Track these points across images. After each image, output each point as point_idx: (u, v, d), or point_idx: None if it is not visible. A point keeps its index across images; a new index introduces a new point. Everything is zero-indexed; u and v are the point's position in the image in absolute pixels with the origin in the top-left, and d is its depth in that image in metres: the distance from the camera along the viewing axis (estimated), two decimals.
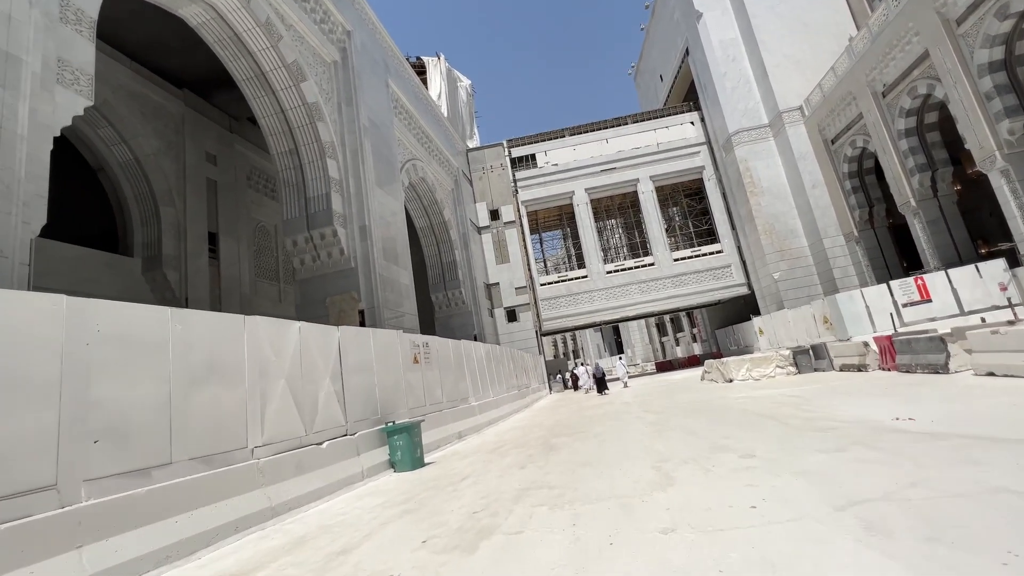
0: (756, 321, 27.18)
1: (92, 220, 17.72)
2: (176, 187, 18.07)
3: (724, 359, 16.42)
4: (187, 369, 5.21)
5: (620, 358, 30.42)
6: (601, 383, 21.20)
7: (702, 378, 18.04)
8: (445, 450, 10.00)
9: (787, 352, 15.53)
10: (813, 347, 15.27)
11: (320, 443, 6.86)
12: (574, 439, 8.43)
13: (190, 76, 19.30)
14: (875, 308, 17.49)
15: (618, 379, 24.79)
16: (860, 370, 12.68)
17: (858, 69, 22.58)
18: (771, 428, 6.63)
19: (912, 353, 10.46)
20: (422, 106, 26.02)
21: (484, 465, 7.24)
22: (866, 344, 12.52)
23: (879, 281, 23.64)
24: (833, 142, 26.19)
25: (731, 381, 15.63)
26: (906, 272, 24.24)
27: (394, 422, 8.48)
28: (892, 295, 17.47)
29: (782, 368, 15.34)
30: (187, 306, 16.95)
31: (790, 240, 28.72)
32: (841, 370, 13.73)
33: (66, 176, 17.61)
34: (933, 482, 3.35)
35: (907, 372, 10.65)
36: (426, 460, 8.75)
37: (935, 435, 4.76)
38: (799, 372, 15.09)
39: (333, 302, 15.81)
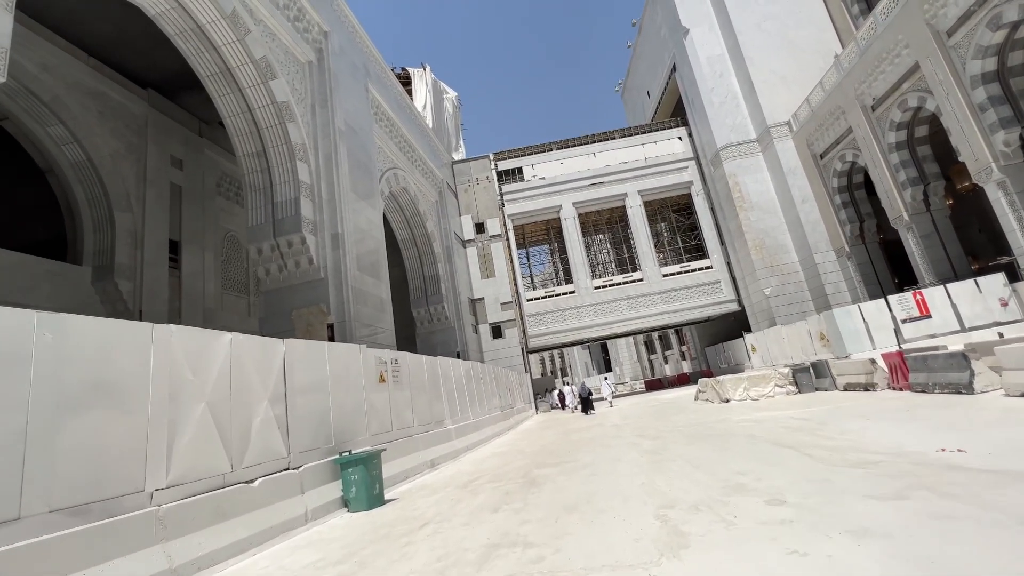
0: (748, 338, 26.42)
1: (38, 226, 16.32)
2: (135, 192, 16.80)
3: (719, 378, 15.46)
4: (58, 391, 4.02)
5: (606, 378, 29.57)
6: (587, 403, 20.91)
7: (696, 398, 17.04)
8: (414, 482, 8.76)
9: (786, 370, 14.63)
10: (813, 365, 14.39)
11: (251, 481, 5.64)
12: (559, 471, 7.29)
13: (156, 76, 18.22)
14: (874, 324, 16.76)
15: (604, 399, 23.86)
16: (867, 389, 11.78)
17: (847, 83, 22.39)
18: (792, 460, 5.59)
19: (928, 371, 9.59)
20: (405, 115, 25.24)
21: (451, 505, 6.07)
22: (873, 361, 11.66)
23: (871, 297, 23.11)
24: (822, 156, 25.93)
25: (727, 401, 14.65)
26: (899, 288, 23.77)
27: (351, 451, 7.26)
28: (891, 310, 16.76)
29: (781, 387, 14.41)
30: (141, 319, 15.52)
31: (780, 255, 28.23)
32: (845, 389, 12.83)
33: (9, 177, 16.29)
34: None
35: (922, 392, 9.76)
36: (388, 496, 7.52)
37: (1019, 475, 3.77)
38: (799, 391, 14.17)
39: (300, 315, 14.58)
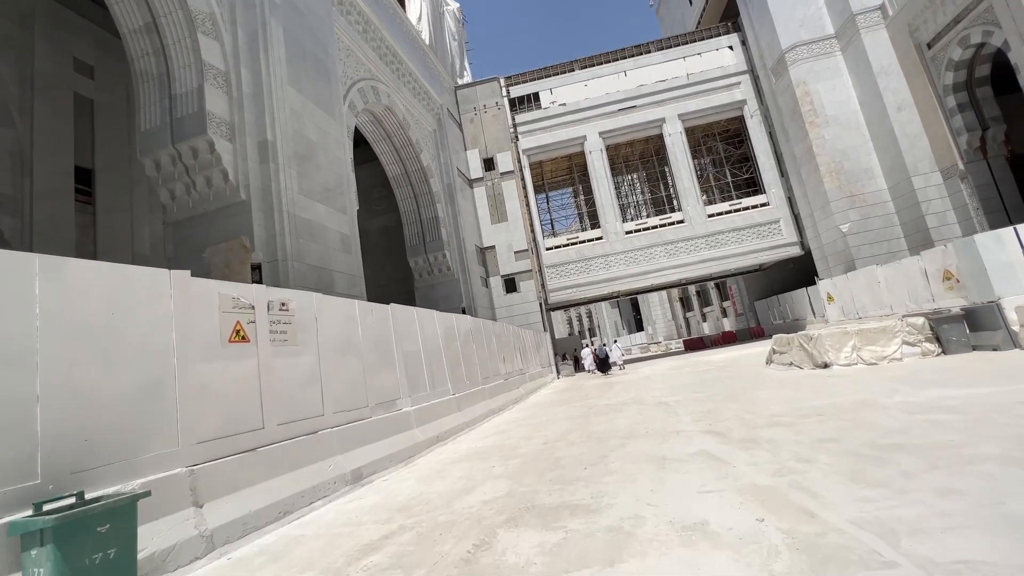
0: (823, 285, 21.19)
1: None
2: (19, 101, 12.87)
3: (811, 332, 10.76)
4: None
5: (616, 341, 25.71)
6: (604, 363, 20.72)
7: (768, 361, 12.44)
8: (294, 524, 4.71)
9: (919, 320, 9.77)
10: (970, 312, 9.49)
11: None
12: (555, 550, 3.01)
13: None
14: None
15: (615, 363, 21.34)
16: None
17: None
18: None
19: None
20: (387, 16, 20.25)
21: None
22: None
23: (993, 227, 17.45)
24: (930, 46, 19.63)
25: (826, 366, 10.01)
26: None
27: (79, 496, 3.13)
28: None
29: (911, 345, 9.63)
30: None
31: (863, 182, 22.44)
32: None
33: None
34: None
35: None
36: None
37: None
38: (945, 352, 9.37)
39: (216, 252, 10.59)
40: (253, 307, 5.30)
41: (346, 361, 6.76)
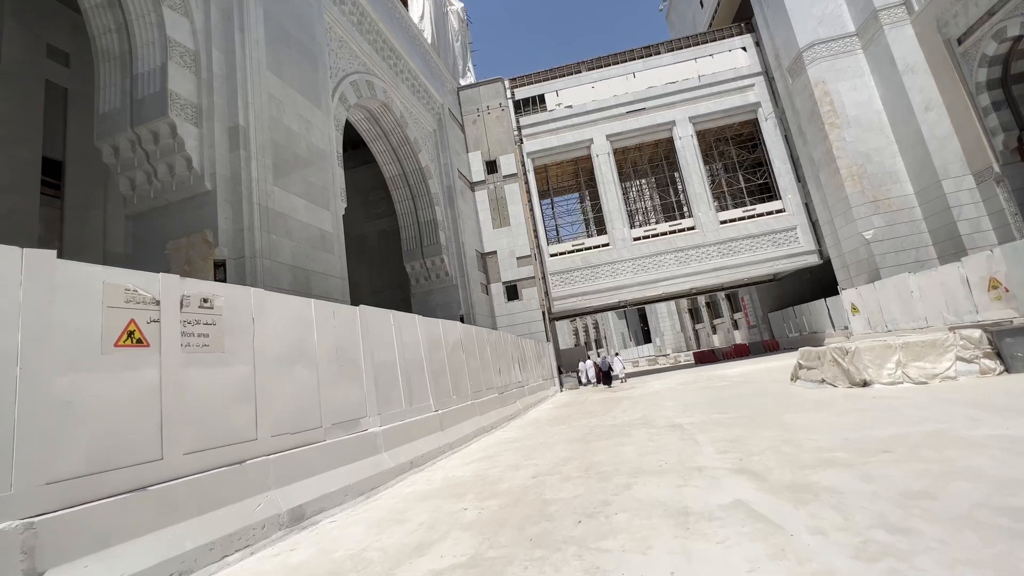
0: (847, 295, 19.76)
1: None
2: None
3: (848, 346, 9.42)
4: None
5: (617, 354, 24.69)
6: (607, 376, 20.81)
7: (794, 377, 11.10)
8: None
9: (976, 334, 8.43)
10: None
11: None
12: None
13: None
14: None
15: (617, 376, 21.55)
16: None
17: None
18: None
19: None
20: (385, 10, 19.44)
21: None
22: None
23: None
24: (960, 41, 18.38)
25: (866, 385, 8.69)
26: None
27: None
28: None
29: (968, 361, 8.29)
30: None
31: (888, 186, 21.08)
32: None
33: None
34: None
35: None
36: None
37: None
38: (1009, 370, 8.02)
39: (176, 247, 9.53)
40: (158, 302, 4.15)
41: (294, 372, 5.59)
